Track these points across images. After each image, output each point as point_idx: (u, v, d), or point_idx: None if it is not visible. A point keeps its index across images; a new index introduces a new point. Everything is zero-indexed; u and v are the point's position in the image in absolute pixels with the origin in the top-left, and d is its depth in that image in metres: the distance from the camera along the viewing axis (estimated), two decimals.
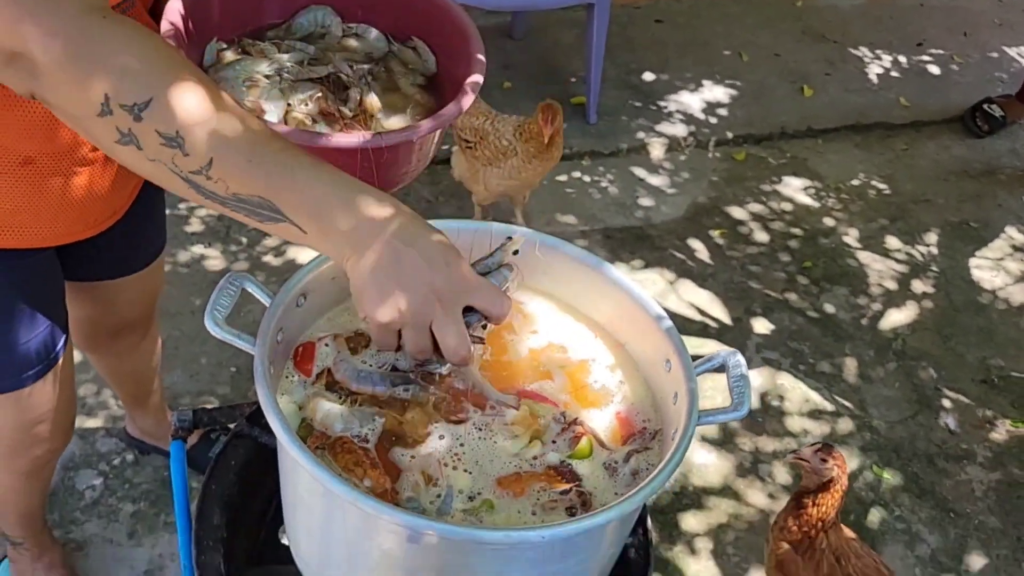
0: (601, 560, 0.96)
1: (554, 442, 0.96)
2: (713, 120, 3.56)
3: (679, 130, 3.48)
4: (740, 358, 0.98)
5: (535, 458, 0.94)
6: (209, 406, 1.25)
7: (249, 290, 0.95)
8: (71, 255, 1.34)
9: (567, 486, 0.91)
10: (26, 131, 1.05)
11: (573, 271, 1.10)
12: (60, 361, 1.38)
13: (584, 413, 0.99)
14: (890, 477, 2.39)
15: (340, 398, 0.96)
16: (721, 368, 0.99)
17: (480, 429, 0.94)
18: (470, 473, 0.91)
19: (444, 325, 0.80)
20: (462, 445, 0.93)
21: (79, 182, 1.17)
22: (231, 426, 1.18)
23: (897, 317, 2.86)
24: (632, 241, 3.00)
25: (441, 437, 0.94)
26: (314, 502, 0.89)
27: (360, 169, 1.06)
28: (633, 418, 1.00)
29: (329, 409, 0.92)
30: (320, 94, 1.20)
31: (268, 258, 2.75)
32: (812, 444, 1.68)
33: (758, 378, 2.60)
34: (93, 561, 1.99)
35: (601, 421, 0.99)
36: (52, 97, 0.76)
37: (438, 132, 1.18)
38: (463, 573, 0.86)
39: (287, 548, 1.18)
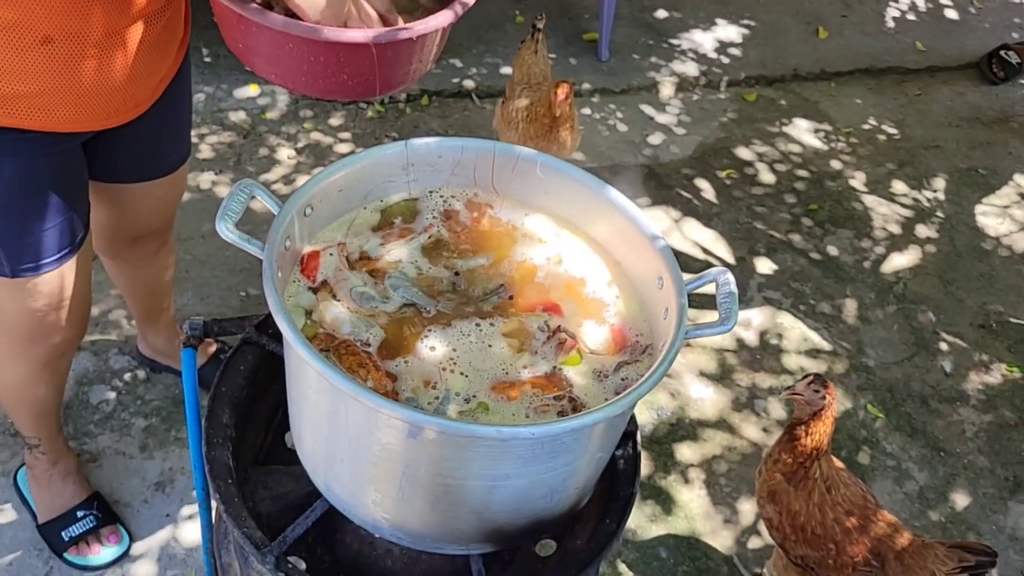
0: (589, 464, 1.01)
1: (541, 351, 1.00)
2: (725, 60, 3.53)
3: (691, 69, 3.47)
4: (729, 276, 1.02)
5: (525, 367, 0.99)
6: (219, 317, 1.29)
7: (259, 196, 0.99)
8: (96, 151, 1.38)
9: (559, 391, 0.96)
10: (44, 7, 1.07)
11: (574, 192, 1.14)
12: (79, 251, 1.42)
13: (581, 323, 1.03)
14: (883, 416, 2.44)
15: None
16: (711, 285, 1.03)
17: (469, 335, 0.99)
18: (466, 376, 0.95)
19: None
20: (455, 351, 0.97)
21: (98, 65, 1.19)
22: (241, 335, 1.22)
23: (899, 261, 2.89)
24: (640, 179, 3.01)
25: (432, 348, 0.98)
26: (319, 399, 0.94)
27: (360, 65, 1.07)
28: (627, 331, 1.04)
29: (338, 313, 0.97)
30: None
31: (277, 186, 2.78)
32: (805, 377, 1.72)
33: (758, 316, 2.64)
34: (106, 472, 2.07)
35: (596, 333, 1.04)
36: None
37: (439, 34, 1.18)
38: (457, 468, 0.91)
39: (291, 452, 1.24)
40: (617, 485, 1.16)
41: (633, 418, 1.17)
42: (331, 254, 1.05)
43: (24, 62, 1.12)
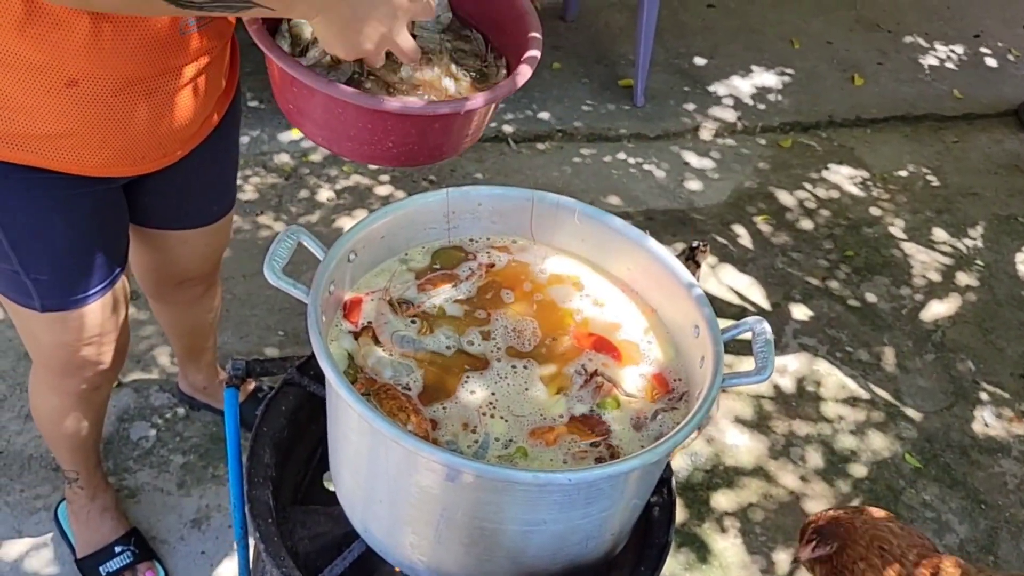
0: (624, 511, 1.01)
1: (578, 395, 1.01)
2: (761, 106, 3.56)
3: (726, 115, 3.49)
4: (766, 325, 1.02)
5: (560, 415, 1.00)
6: (261, 358, 1.32)
7: (304, 243, 1.02)
8: (136, 197, 1.40)
9: (597, 438, 0.97)
10: (70, 50, 1.10)
11: (610, 239, 1.15)
12: (114, 289, 1.44)
13: (619, 369, 1.04)
14: (921, 466, 2.41)
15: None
16: (747, 335, 1.04)
17: (507, 378, 1.00)
18: (505, 420, 0.97)
19: (398, 39, 1.01)
20: (494, 395, 0.99)
21: (123, 110, 1.21)
22: (282, 375, 1.25)
23: (938, 309, 2.86)
24: (674, 224, 3.03)
25: (472, 392, 1.00)
26: (360, 441, 0.96)
27: (410, 135, 1.08)
28: (667, 376, 1.06)
29: (381, 356, 0.99)
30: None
31: (318, 227, 2.83)
32: (806, 542, 1.59)
33: (795, 363, 2.62)
34: (144, 508, 2.09)
35: (634, 378, 1.05)
36: None
37: (491, 107, 1.20)
38: (495, 513, 0.92)
39: (328, 492, 1.25)
40: (652, 532, 1.16)
41: (668, 464, 1.17)
42: (373, 299, 1.08)
43: (50, 103, 1.15)
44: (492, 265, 1.15)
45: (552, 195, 1.16)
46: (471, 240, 1.18)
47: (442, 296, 1.10)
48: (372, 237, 1.08)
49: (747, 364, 2.43)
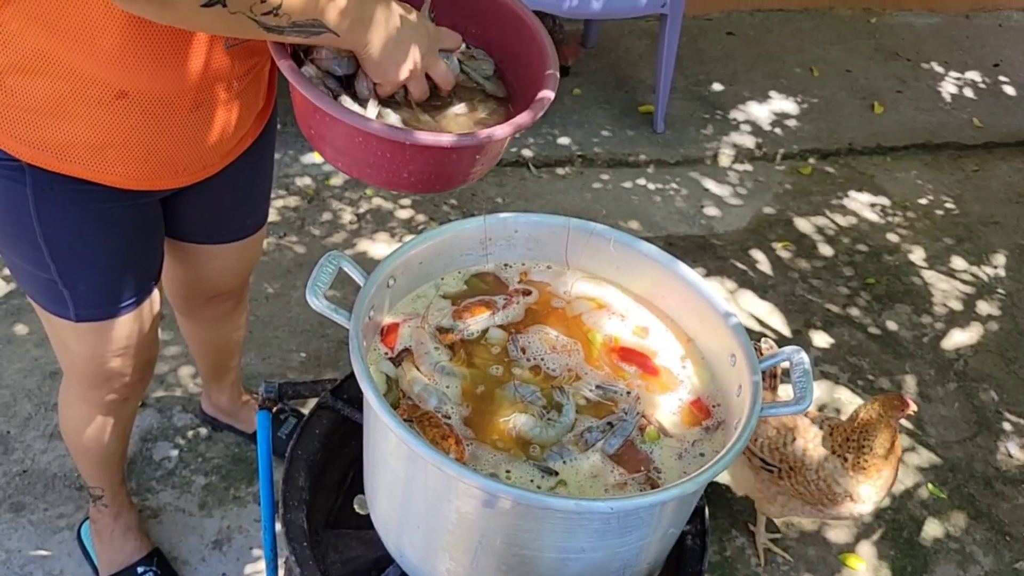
0: (660, 540, 1.01)
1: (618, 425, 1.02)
2: (780, 133, 3.57)
3: (746, 142, 3.51)
4: (804, 355, 1.02)
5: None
6: (294, 380, 1.33)
7: (345, 268, 1.03)
8: (172, 210, 1.43)
9: (636, 473, 0.97)
10: (121, 62, 1.13)
11: (646, 267, 1.16)
12: (145, 303, 1.46)
13: (654, 397, 1.05)
14: (945, 497, 2.39)
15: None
16: (784, 364, 1.04)
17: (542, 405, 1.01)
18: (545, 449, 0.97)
19: (435, 65, 1.12)
20: (532, 424, 0.99)
21: (168, 122, 1.23)
22: (315, 399, 1.26)
23: (960, 338, 2.85)
24: (694, 250, 3.03)
25: (511, 424, 1.00)
26: (398, 465, 0.96)
27: (428, 165, 1.08)
28: (706, 402, 1.06)
29: (426, 384, 1.00)
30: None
31: (341, 250, 2.85)
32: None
33: (816, 390, 2.61)
34: (166, 528, 2.10)
35: (671, 406, 1.05)
36: None
37: (508, 138, 1.19)
38: (534, 540, 0.92)
39: (359, 516, 1.25)
40: (685, 561, 1.15)
41: (702, 494, 1.17)
42: (410, 325, 1.08)
43: (100, 114, 1.17)
44: (528, 292, 1.16)
45: (588, 222, 1.17)
46: (506, 265, 1.19)
47: (479, 323, 1.11)
48: (410, 263, 1.09)
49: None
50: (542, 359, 1.08)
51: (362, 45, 1.05)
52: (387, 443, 0.96)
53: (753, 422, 0.96)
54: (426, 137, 1.01)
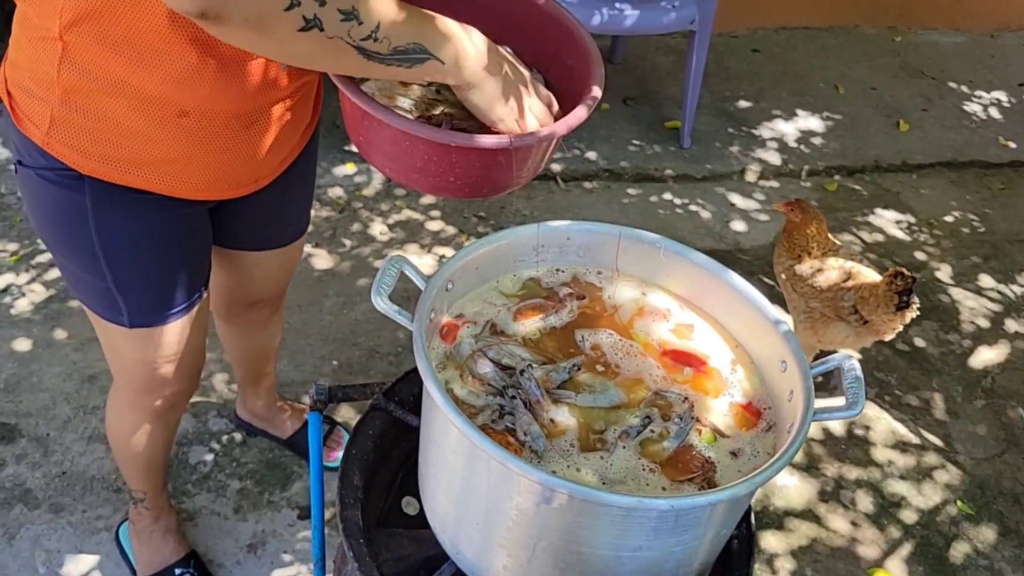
0: (711, 541, 1.03)
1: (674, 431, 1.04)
2: (806, 150, 3.59)
3: (771, 158, 3.53)
4: (855, 361, 1.04)
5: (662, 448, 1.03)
6: (344, 383, 1.36)
7: (407, 272, 1.06)
8: (220, 218, 1.46)
9: (692, 474, 0.99)
10: (185, 83, 1.15)
11: (695, 274, 1.18)
12: (196, 307, 1.50)
13: (706, 400, 1.07)
14: (974, 513, 2.39)
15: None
16: (835, 370, 1.06)
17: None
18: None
19: (534, 106, 1.10)
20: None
21: (226, 140, 1.27)
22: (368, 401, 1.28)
23: (988, 355, 2.85)
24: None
25: (567, 423, 1.03)
26: (457, 462, 0.98)
27: (474, 167, 1.07)
28: (757, 405, 1.08)
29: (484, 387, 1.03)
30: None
31: (370, 259, 2.89)
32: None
33: None
34: (202, 531, 2.13)
35: (722, 409, 1.07)
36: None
37: (552, 146, 1.17)
38: (587, 535, 0.94)
39: (408, 516, 1.28)
40: (731, 565, 1.17)
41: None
42: (467, 327, 1.11)
43: (161, 133, 1.21)
44: (582, 297, 1.19)
45: (638, 231, 1.20)
46: (558, 270, 1.22)
47: (533, 326, 1.14)
48: (468, 268, 1.12)
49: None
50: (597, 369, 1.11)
51: (469, 85, 1.02)
52: (449, 440, 0.98)
53: (807, 426, 0.98)
54: (464, 137, 1.00)
